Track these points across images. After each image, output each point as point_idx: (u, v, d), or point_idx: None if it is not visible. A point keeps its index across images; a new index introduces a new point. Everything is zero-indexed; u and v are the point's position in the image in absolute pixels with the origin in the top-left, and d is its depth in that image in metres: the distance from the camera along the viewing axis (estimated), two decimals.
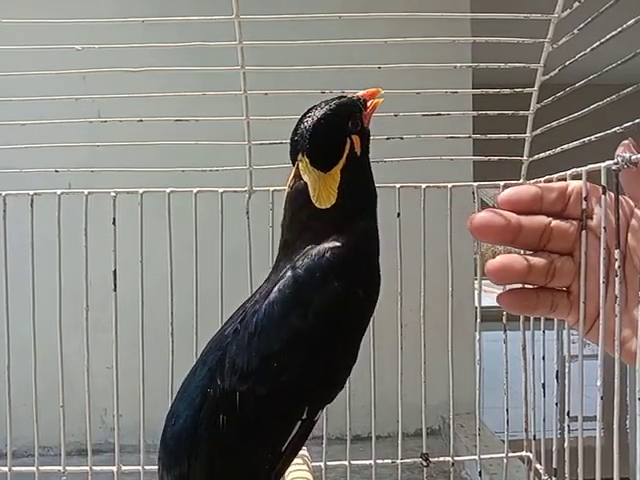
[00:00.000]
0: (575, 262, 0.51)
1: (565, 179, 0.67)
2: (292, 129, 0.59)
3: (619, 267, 0.47)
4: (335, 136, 0.58)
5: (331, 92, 0.82)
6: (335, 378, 0.58)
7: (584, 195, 0.50)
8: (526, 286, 0.51)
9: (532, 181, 0.91)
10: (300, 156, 0.57)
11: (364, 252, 0.59)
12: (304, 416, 0.56)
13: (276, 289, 0.56)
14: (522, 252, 0.51)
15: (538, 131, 0.90)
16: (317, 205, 0.57)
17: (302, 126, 0.58)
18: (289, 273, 0.56)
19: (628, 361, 0.49)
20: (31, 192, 0.94)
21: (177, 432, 0.58)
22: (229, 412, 0.55)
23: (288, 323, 0.55)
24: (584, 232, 0.49)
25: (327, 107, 0.58)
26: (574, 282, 0.51)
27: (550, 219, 0.50)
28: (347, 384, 0.61)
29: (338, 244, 0.57)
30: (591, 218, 0.50)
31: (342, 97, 0.60)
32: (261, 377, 0.55)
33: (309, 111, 0.59)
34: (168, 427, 0.59)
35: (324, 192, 0.57)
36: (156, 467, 0.61)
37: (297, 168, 0.58)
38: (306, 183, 0.57)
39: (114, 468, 0.94)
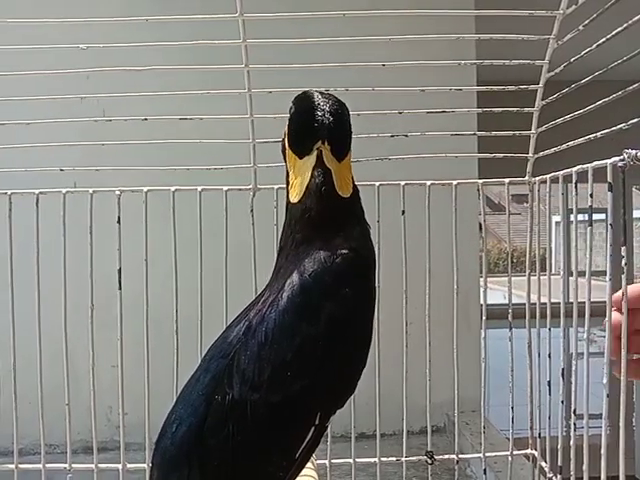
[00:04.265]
0: None
1: (571, 175, 0.67)
2: (301, 112, 0.58)
3: (625, 264, 0.47)
4: (349, 126, 0.59)
5: (335, 90, 0.82)
6: (347, 383, 0.57)
7: (590, 192, 0.50)
8: None
9: (537, 178, 0.91)
10: (320, 143, 0.56)
11: (369, 255, 0.59)
12: (317, 422, 0.55)
13: (285, 297, 0.55)
14: None
15: (543, 128, 0.89)
16: (340, 194, 0.56)
17: (321, 113, 0.57)
18: (297, 280, 0.55)
19: None
20: (36, 191, 0.94)
21: (179, 438, 0.56)
22: (240, 421, 0.54)
23: (300, 332, 0.54)
24: (589, 228, 0.49)
25: (334, 98, 0.58)
26: None
27: None
28: None
29: (346, 249, 0.56)
30: None
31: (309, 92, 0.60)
32: (274, 386, 0.54)
33: (311, 98, 0.58)
34: (167, 433, 0.58)
35: (342, 181, 0.57)
36: None
37: (319, 156, 0.56)
38: (329, 172, 0.56)
39: (119, 466, 0.94)
